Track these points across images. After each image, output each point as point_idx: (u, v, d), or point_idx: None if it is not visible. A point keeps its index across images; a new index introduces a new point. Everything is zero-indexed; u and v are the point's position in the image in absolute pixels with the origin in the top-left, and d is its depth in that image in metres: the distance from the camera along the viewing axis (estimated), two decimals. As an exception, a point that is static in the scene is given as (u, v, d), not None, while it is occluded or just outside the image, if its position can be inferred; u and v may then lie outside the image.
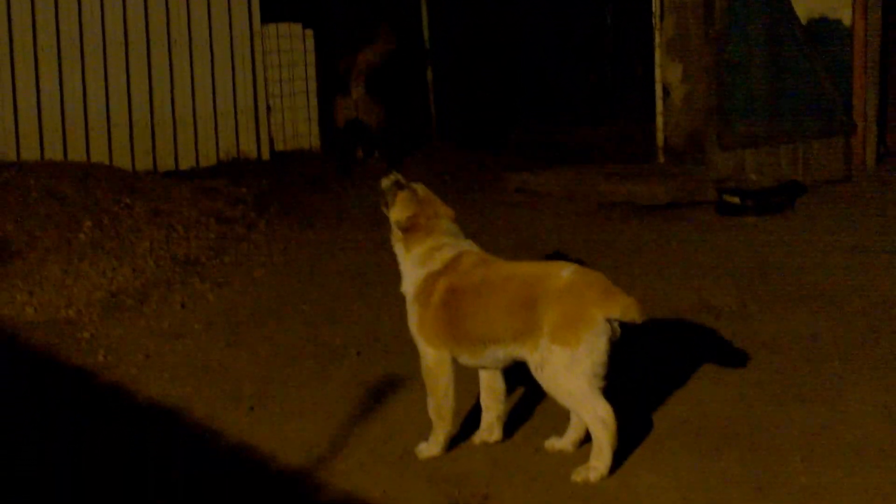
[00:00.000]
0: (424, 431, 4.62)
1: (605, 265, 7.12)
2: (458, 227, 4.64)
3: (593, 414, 4.26)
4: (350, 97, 10.23)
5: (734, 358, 5.47)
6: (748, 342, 5.68)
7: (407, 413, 4.98)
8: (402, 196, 4.63)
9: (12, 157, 9.36)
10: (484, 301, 4.38)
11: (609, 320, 4.25)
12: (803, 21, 9.06)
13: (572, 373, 4.23)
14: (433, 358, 4.51)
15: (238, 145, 10.50)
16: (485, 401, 4.66)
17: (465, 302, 4.41)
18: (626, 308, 4.23)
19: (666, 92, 9.45)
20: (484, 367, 4.59)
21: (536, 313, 4.27)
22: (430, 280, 4.49)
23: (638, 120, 11.05)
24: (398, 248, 4.65)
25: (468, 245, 4.59)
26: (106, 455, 4.70)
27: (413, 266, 4.55)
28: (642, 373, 5.30)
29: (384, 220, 8.42)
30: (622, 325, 4.30)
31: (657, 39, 9.43)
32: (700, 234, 7.89)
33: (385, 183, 4.67)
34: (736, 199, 8.25)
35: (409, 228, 4.56)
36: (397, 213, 4.61)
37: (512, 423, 4.75)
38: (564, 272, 4.34)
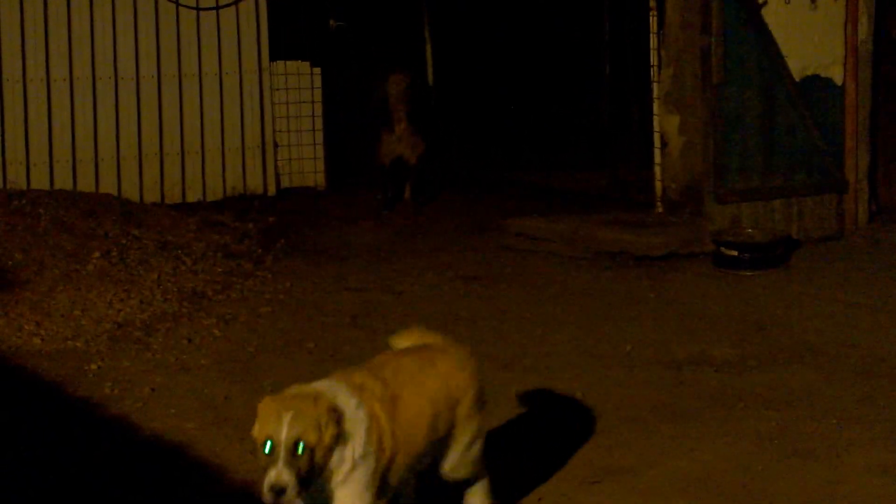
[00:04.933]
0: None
1: (604, 314, 7.24)
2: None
3: (485, 472, 4.25)
4: (394, 132, 10.19)
5: (733, 412, 5.53)
6: (747, 396, 5.74)
7: (411, 455, 5.05)
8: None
9: (23, 185, 9.43)
10: (417, 396, 3.96)
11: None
12: (796, 78, 9.19)
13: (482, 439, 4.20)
14: None
15: (245, 180, 10.57)
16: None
17: (406, 408, 3.91)
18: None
19: (663, 143, 9.58)
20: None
21: (457, 387, 4.08)
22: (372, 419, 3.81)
23: (635, 167, 11.19)
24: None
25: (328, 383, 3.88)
26: (111, 489, 4.70)
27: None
28: (645, 424, 5.38)
29: (388, 259, 8.58)
30: None
31: (655, 91, 9.58)
32: (697, 285, 7.96)
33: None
34: (733, 252, 8.33)
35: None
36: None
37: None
38: (447, 348, 4.21)
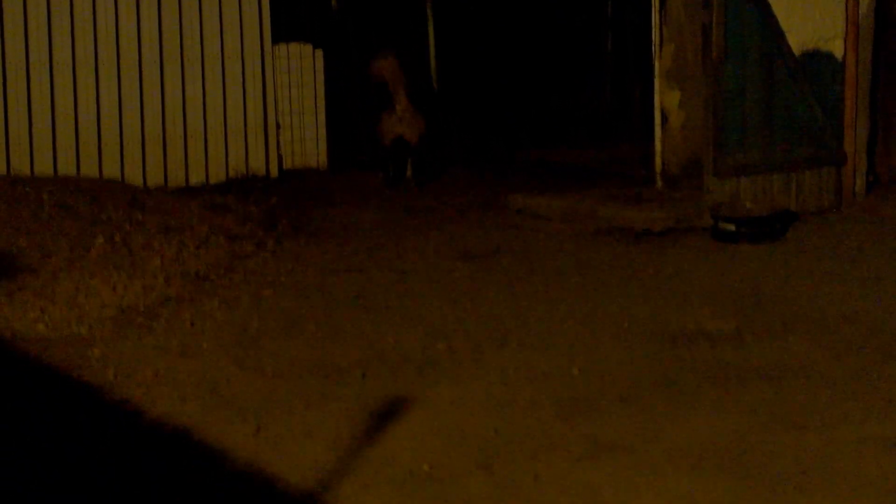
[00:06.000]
0: (428, 453, 4.70)
1: (603, 289, 7.28)
2: None
3: None
4: (394, 112, 10.26)
5: (730, 386, 5.56)
6: (743, 369, 5.77)
7: (411, 434, 5.03)
8: None
9: (26, 171, 9.50)
10: None
11: None
12: (796, 53, 9.20)
13: None
14: None
15: (247, 162, 10.64)
16: None
17: None
18: None
19: (664, 118, 9.60)
20: None
21: None
22: None
23: (636, 144, 11.22)
24: None
25: None
26: (113, 474, 4.73)
27: None
28: (641, 399, 5.43)
29: (390, 238, 8.62)
30: None
31: (657, 67, 9.60)
32: (696, 259, 8.00)
33: None
34: (731, 227, 8.36)
35: None
36: None
37: None
38: None
